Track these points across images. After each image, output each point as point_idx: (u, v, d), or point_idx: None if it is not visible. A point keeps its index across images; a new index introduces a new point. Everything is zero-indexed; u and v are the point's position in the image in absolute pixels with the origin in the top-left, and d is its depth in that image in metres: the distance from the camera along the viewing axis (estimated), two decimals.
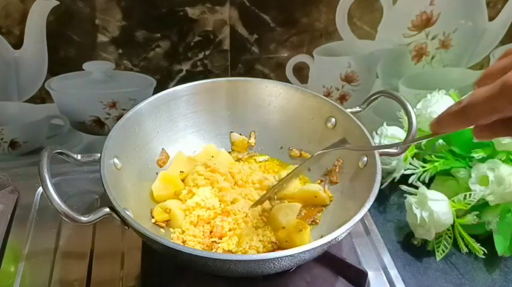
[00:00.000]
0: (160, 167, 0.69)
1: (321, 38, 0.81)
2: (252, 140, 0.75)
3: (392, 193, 0.78)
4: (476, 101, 0.37)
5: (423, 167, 0.72)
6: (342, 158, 0.68)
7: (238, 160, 0.74)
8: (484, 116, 0.38)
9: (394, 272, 0.64)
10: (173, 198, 0.65)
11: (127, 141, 0.63)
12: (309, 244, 0.49)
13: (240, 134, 0.75)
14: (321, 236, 0.51)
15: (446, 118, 0.41)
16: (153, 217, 0.63)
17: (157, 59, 0.78)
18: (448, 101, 0.75)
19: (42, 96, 0.79)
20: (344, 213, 0.60)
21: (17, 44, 0.72)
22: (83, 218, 0.49)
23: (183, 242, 0.59)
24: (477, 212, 0.66)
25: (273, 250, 0.60)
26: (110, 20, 0.73)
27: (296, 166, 0.69)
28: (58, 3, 0.69)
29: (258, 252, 0.59)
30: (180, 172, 0.68)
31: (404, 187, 0.70)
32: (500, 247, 0.66)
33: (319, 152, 0.66)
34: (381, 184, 0.57)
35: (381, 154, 0.60)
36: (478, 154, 0.69)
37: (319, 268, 0.61)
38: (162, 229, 0.62)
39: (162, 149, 0.69)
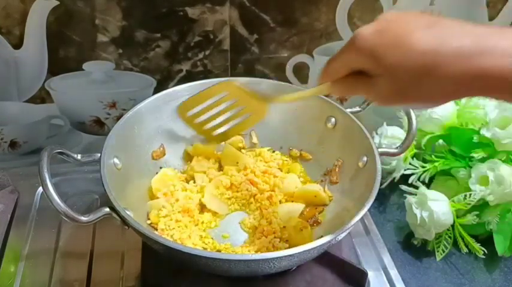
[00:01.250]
0: (154, 159, 0.68)
1: (321, 38, 0.81)
2: (255, 140, 0.74)
3: (392, 193, 0.78)
4: (332, 57, 0.45)
5: (423, 167, 0.72)
6: (342, 158, 0.68)
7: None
8: (338, 69, 0.45)
9: (394, 272, 0.64)
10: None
11: (127, 142, 0.63)
12: (309, 244, 0.49)
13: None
14: (321, 236, 0.51)
15: (320, 78, 0.48)
16: (148, 219, 0.63)
17: (157, 59, 0.79)
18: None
19: (42, 97, 0.79)
20: (344, 213, 0.60)
21: (17, 44, 0.73)
22: (83, 218, 0.49)
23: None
24: (477, 212, 0.65)
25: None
26: (110, 20, 0.73)
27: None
28: (58, 3, 0.70)
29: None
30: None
31: (404, 187, 0.70)
32: (500, 247, 0.66)
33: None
34: (381, 184, 0.57)
35: (381, 154, 0.61)
36: (478, 154, 0.69)
37: (319, 268, 0.61)
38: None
39: (161, 143, 0.69)
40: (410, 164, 0.73)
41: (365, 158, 0.62)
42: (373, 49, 0.40)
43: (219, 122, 0.64)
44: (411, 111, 0.63)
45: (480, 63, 0.36)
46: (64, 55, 0.75)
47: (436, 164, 0.72)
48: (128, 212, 0.51)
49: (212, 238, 0.62)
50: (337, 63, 0.45)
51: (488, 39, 0.37)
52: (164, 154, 0.70)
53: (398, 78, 0.39)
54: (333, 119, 0.69)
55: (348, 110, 0.67)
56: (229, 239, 0.62)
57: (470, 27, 0.38)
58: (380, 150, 0.61)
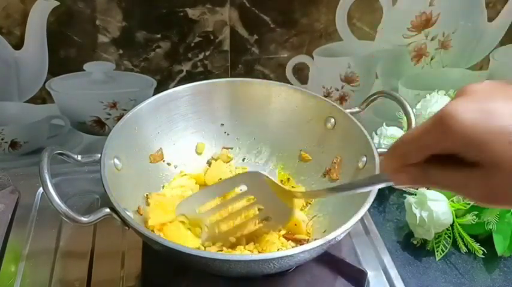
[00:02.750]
0: (151, 162, 0.68)
1: (320, 39, 0.82)
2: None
3: (391, 193, 0.78)
4: (404, 138, 0.37)
5: None
6: (341, 155, 0.68)
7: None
8: (414, 152, 0.36)
9: (393, 272, 0.64)
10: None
11: (127, 142, 0.64)
12: (309, 244, 0.49)
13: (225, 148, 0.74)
14: (321, 236, 0.51)
15: (385, 160, 0.40)
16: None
17: (158, 59, 0.79)
18: (447, 101, 0.75)
19: (42, 97, 0.79)
20: (343, 213, 0.60)
21: (18, 44, 0.73)
22: (84, 219, 0.49)
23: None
24: (476, 212, 0.66)
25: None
26: (111, 20, 0.73)
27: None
28: (58, 3, 0.70)
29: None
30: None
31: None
32: (499, 246, 0.66)
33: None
34: None
35: (380, 155, 0.61)
36: None
37: (319, 268, 0.62)
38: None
39: (160, 148, 0.69)
40: None
41: (364, 159, 0.62)
42: (478, 136, 0.31)
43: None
44: (410, 111, 0.63)
45: None
46: (64, 56, 0.75)
47: None
48: (128, 213, 0.51)
49: None
50: (412, 145, 0.36)
51: None
52: (162, 158, 0.70)
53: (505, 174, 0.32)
54: (333, 120, 0.69)
55: (348, 110, 0.67)
56: None
57: None
58: (379, 150, 0.61)
